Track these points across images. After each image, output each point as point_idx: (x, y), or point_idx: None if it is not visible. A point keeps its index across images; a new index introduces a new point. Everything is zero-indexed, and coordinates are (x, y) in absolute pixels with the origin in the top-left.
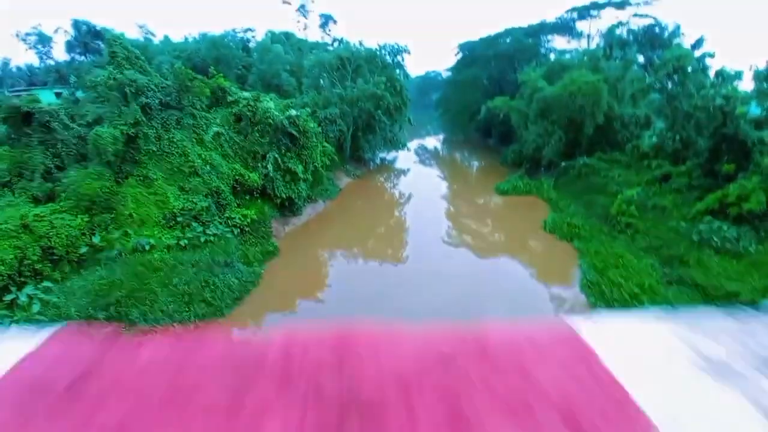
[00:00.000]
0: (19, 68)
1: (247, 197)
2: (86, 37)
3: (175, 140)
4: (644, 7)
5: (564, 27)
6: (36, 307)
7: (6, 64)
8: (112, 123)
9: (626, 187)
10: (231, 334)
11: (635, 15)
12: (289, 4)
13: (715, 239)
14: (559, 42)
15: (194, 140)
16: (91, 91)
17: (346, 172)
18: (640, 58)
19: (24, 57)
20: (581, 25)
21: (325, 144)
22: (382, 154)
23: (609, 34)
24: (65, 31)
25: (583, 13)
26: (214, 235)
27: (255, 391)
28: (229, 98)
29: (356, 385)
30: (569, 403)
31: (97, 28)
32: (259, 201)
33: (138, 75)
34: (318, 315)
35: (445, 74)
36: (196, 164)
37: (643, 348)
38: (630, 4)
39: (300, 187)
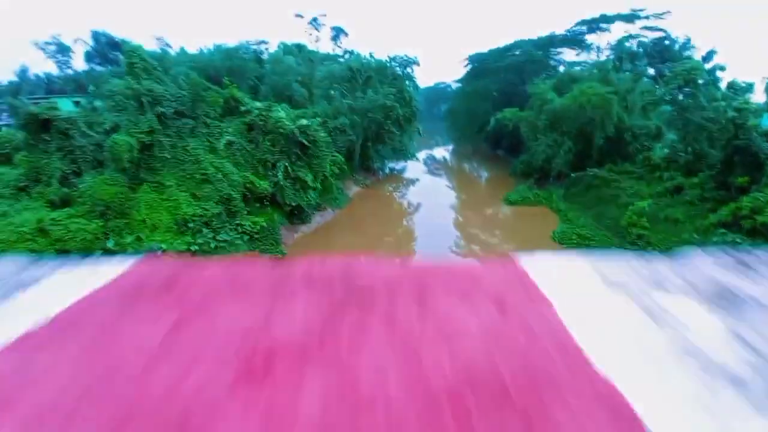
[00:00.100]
0: (37, 76)
1: (257, 205)
2: (105, 48)
3: (188, 148)
4: (654, 20)
5: (573, 40)
6: None
7: (24, 71)
8: (128, 131)
9: (637, 198)
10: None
11: (645, 28)
12: (302, 17)
13: None
14: (568, 54)
15: (207, 148)
16: (109, 100)
17: (356, 182)
18: (650, 71)
19: (43, 65)
20: (591, 38)
21: (335, 153)
22: (391, 164)
23: (619, 47)
24: (84, 42)
25: (593, 26)
26: (224, 241)
27: (286, 288)
28: (242, 108)
29: (357, 287)
30: (502, 295)
31: (116, 39)
32: (268, 208)
33: (154, 85)
34: None
35: (455, 86)
36: (208, 172)
37: (562, 272)
38: (639, 18)
39: (309, 196)
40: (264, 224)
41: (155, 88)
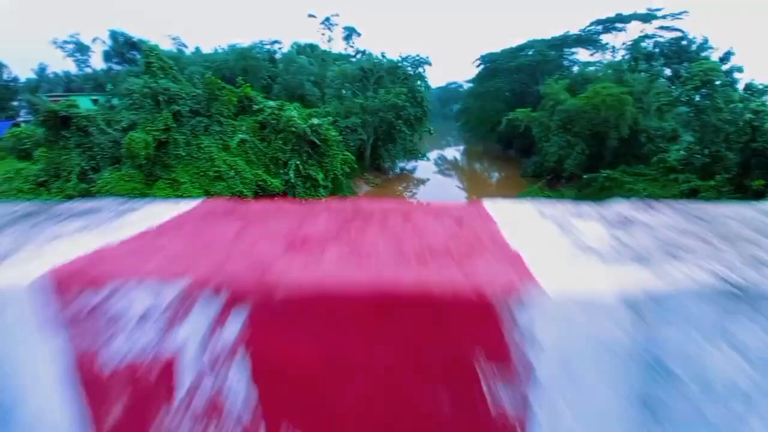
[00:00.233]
0: (56, 74)
1: None
2: (123, 47)
3: (202, 146)
4: (671, 20)
5: (588, 39)
6: None
7: (43, 69)
8: (144, 128)
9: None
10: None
11: (661, 27)
12: (315, 17)
13: None
14: (582, 54)
15: (220, 146)
16: (127, 99)
17: (366, 181)
18: (667, 71)
19: (62, 64)
20: (606, 38)
21: (346, 152)
22: (401, 164)
23: (634, 47)
24: (103, 41)
25: (608, 25)
26: None
27: (313, 210)
28: (255, 107)
29: (362, 210)
30: (462, 215)
31: (134, 38)
32: None
33: (171, 84)
34: None
35: (467, 85)
36: (221, 169)
37: (512, 209)
38: (656, 17)
39: (320, 194)
40: None
41: (171, 87)
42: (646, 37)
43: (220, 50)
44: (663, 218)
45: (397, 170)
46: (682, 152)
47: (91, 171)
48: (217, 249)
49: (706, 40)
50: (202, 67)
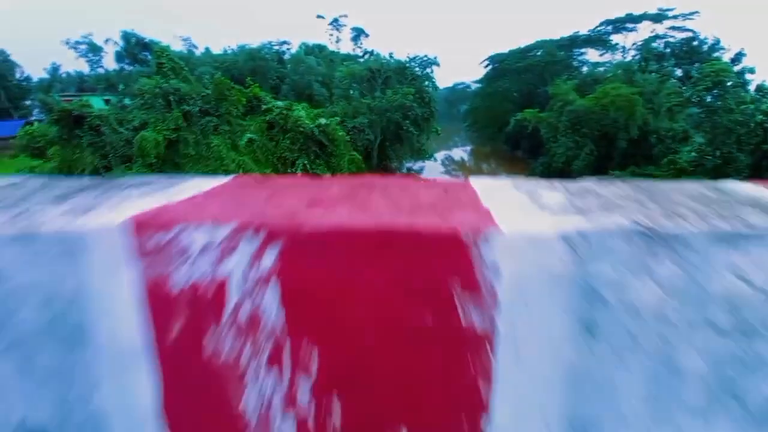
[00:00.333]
0: (68, 74)
1: None
2: (135, 48)
3: (211, 145)
4: (682, 20)
5: (598, 40)
6: None
7: (56, 69)
8: (155, 128)
9: None
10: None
11: (672, 28)
12: (323, 18)
13: None
14: (592, 55)
15: (229, 146)
16: (138, 99)
17: None
18: (678, 72)
19: (74, 64)
20: (616, 38)
21: (353, 152)
22: (408, 164)
23: (645, 47)
24: (115, 42)
25: (618, 25)
26: None
27: (324, 182)
28: (263, 107)
29: (365, 181)
30: (448, 185)
31: (145, 39)
32: None
33: (181, 84)
34: None
35: (474, 86)
36: (230, 168)
37: (492, 185)
38: (667, 17)
39: None
40: None
41: (182, 87)
42: (657, 37)
43: (229, 51)
44: (615, 189)
45: (404, 170)
46: (693, 153)
47: (103, 169)
48: (254, 204)
49: (717, 41)
50: (212, 68)
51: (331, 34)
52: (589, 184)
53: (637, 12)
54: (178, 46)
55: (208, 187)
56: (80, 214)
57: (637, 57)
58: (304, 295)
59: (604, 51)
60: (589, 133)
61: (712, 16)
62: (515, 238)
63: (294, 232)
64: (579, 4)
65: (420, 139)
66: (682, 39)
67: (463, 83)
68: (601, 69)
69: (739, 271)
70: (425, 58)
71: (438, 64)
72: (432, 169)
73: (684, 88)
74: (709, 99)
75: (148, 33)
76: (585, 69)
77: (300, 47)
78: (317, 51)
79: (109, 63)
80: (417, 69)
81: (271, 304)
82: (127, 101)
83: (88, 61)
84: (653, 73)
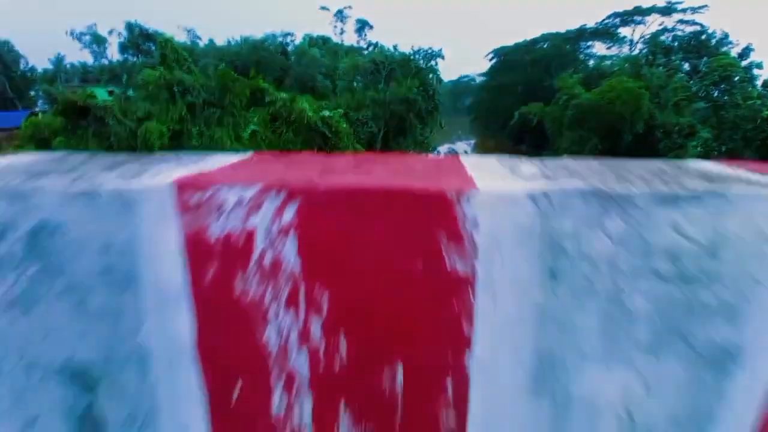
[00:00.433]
0: (72, 65)
1: None
2: (138, 39)
3: (215, 137)
4: (691, 13)
5: (605, 33)
6: None
7: (60, 60)
8: (159, 119)
9: None
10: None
11: (681, 21)
12: (327, 9)
13: None
14: (599, 48)
15: (233, 137)
16: (142, 90)
17: None
18: (686, 66)
19: (78, 54)
20: (624, 31)
21: (357, 145)
22: None
23: (653, 41)
24: (119, 33)
25: (626, 18)
26: None
27: (338, 159)
28: (267, 98)
29: (369, 156)
30: (438, 158)
31: (149, 30)
32: None
33: (185, 75)
34: None
35: (479, 79)
36: None
37: (478, 159)
38: (676, 11)
39: None
40: None
41: (186, 79)
42: (665, 30)
43: (233, 42)
44: (585, 164)
45: None
46: (699, 149)
47: None
48: (275, 171)
49: (726, 35)
50: (216, 59)
51: (335, 26)
52: (567, 161)
53: (645, 4)
54: (181, 38)
55: (233, 160)
56: (130, 177)
57: (644, 50)
58: (318, 246)
59: (611, 44)
60: (595, 128)
61: (720, 9)
62: (491, 198)
63: (310, 192)
64: None
65: (424, 132)
66: (691, 32)
67: (468, 76)
68: (608, 62)
69: (678, 226)
70: (430, 51)
71: (443, 57)
72: None
73: (691, 82)
74: (716, 94)
75: (151, 24)
76: (592, 62)
77: (304, 39)
78: (321, 43)
79: (113, 54)
80: (421, 61)
81: (289, 253)
82: (131, 92)
83: (92, 52)
84: (660, 67)
